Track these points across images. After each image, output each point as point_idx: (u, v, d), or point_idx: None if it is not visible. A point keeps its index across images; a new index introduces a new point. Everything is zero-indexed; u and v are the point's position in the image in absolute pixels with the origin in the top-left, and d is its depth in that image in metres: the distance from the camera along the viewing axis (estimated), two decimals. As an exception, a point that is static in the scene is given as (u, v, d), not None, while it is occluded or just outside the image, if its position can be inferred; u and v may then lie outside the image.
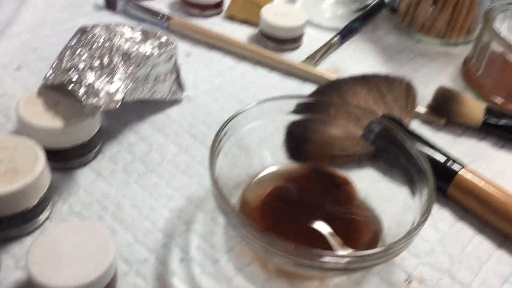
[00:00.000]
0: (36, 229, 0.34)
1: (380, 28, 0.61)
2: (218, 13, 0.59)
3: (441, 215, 0.39)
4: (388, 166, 0.38)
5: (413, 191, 0.35)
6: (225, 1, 0.59)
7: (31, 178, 0.31)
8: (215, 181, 0.31)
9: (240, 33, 0.56)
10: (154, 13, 0.55)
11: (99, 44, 0.38)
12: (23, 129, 0.36)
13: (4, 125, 0.41)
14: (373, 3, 0.61)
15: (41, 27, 0.52)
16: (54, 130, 0.35)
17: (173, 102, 0.46)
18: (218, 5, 0.58)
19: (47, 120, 0.35)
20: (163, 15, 0.55)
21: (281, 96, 0.39)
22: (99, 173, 0.38)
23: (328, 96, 0.46)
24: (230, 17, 0.58)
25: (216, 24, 0.57)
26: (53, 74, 0.37)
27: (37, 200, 0.33)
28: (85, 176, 0.38)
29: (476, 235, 0.38)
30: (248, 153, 0.39)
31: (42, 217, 0.34)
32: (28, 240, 0.33)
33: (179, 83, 0.45)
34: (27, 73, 0.46)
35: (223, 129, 0.34)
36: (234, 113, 0.36)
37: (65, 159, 0.38)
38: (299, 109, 0.39)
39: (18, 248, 0.33)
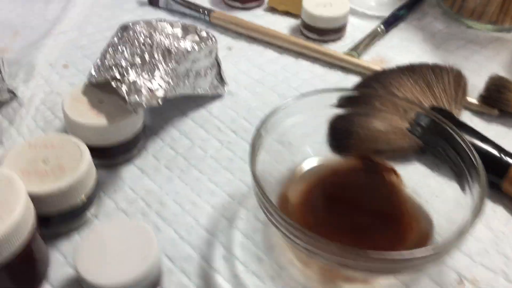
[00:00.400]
0: (83, 225, 0.35)
1: (427, 15, 0.58)
2: (259, 5, 0.58)
3: (494, 212, 0.37)
4: (436, 160, 0.37)
5: (463, 187, 0.33)
6: (266, -7, 0.58)
7: (77, 175, 0.32)
8: (255, 178, 0.31)
9: (282, 25, 0.56)
10: (195, 7, 0.55)
11: (140, 41, 0.38)
12: (69, 127, 0.37)
13: (52, 122, 0.42)
14: (420, -11, 0.59)
15: (86, 25, 0.53)
16: (99, 128, 0.36)
17: (215, 97, 0.45)
18: (259, -3, 0.58)
19: (92, 118, 0.36)
20: (205, 9, 0.55)
21: (323, 90, 0.38)
22: (143, 170, 0.39)
23: (372, 88, 0.44)
24: (271, 9, 0.58)
25: (257, 16, 0.57)
26: (96, 72, 0.38)
27: (84, 197, 0.33)
28: (129, 172, 0.38)
29: (532, 233, 0.36)
30: (290, 148, 0.38)
31: (89, 213, 0.35)
32: (76, 236, 0.34)
33: (220, 78, 0.45)
34: (73, 70, 0.47)
35: (263, 125, 0.34)
36: (275, 108, 0.35)
37: (110, 156, 0.38)
38: (342, 102, 0.38)
39: (66, 245, 0.33)
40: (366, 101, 0.39)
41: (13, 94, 0.43)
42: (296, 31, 0.55)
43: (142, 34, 0.39)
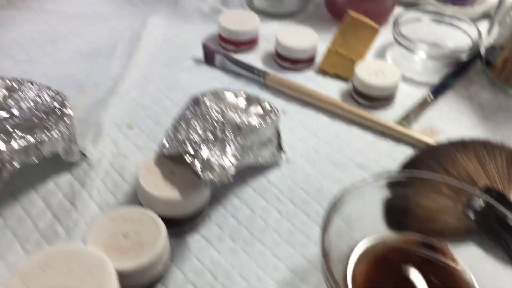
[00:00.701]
0: (156, 296, 0.36)
1: (474, 82, 0.60)
2: (309, 67, 0.60)
3: (550, 300, 0.38)
4: (492, 243, 0.38)
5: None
6: (318, 55, 0.60)
7: (156, 252, 0.34)
8: (327, 265, 0.32)
9: (333, 88, 0.57)
10: (250, 68, 0.58)
11: (213, 117, 0.40)
12: (144, 198, 0.39)
13: (121, 186, 0.44)
14: (468, 58, 0.61)
15: (147, 83, 0.56)
16: (172, 201, 0.38)
17: (273, 165, 0.47)
18: (310, 60, 0.60)
19: (165, 190, 0.38)
20: (259, 71, 0.57)
21: (380, 174, 0.39)
22: (208, 239, 0.40)
23: (427, 165, 0.46)
24: (322, 71, 0.60)
25: (309, 78, 0.59)
26: (169, 144, 0.40)
27: (161, 270, 0.35)
28: (195, 242, 0.40)
29: None
30: (350, 224, 0.39)
31: (162, 286, 0.36)
32: (148, 307, 0.36)
33: (279, 147, 0.47)
34: (137, 131, 0.50)
35: (332, 211, 0.35)
36: (339, 193, 0.37)
37: (177, 225, 0.40)
38: (399, 181, 0.40)
39: (139, 315, 0.35)
40: (423, 181, 0.40)
41: (83, 155, 0.45)
42: (347, 95, 0.57)
43: (214, 110, 0.41)
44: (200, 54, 0.60)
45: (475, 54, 0.61)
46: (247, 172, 0.46)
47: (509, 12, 0.57)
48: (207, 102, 0.42)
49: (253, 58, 0.61)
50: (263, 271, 0.39)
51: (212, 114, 0.41)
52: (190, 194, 0.38)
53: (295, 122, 0.53)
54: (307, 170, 0.47)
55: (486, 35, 0.60)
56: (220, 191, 0.44)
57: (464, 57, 0.59)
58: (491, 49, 0.60)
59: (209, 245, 0.40)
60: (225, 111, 0.41)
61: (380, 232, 0.40)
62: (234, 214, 0.43)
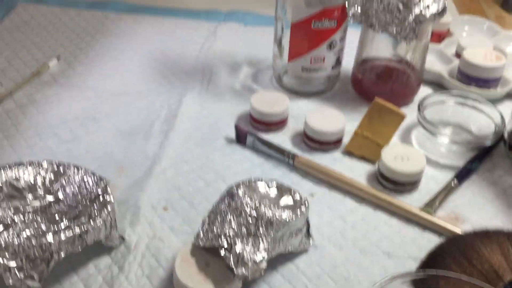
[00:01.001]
0: None
1: (497, 166, 0.61)
2: (337, 148, 0.63)
3: None
4: None
5: None
6: (345, 135, 0.63)
7: None
8: None
9: (359, 170, 0.60)
10: (279, 150, 0.60)
11: (247, 212, 0.43)
12: (179, 288, 0.41)
13: (156, 270, 0.46)
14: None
15: (181, 163, 0.59)
16: (207, 294, 0.40)
17: (301, 250, 0.49)
18: (338, 141, 0.62)
19: (201, 283, 0.40)
20: (288, 153, 0.60)
21: (408, 273, 0.41)
22: (239, 329, 0.42)
23: (452, 257, 0.47)
24: (349, 153, 0.62)
25: (336, 160, 0.61)
26: (205, 236, 0.42)
27: None
28: (226, 331, 0.42)
29: None
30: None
31: None
32: None
33: (308, 235, 0.49)
34: (172, 213, 0.52)
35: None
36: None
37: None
38: (422, 280, 0.41)
39: None
40: (446, 278, 0.42)
41: (122, 239, 0.48)
42: (373, 177, 0.59)
43: (248, 205, 0.43)
44: (232, 133, 0.63)
45: (499, 138, 0.63)
46: (275, 259, 0.48)
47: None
48: (241, 195, 0.44)
49: (282, 138, 0.64)
50: None
51: (246, 209, 0.43)
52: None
53: (322, 205, 0.55)
54: (334, 256, 0.49)
55: (510, 118, 0.62)
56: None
57: (487, 143, 0.61)
58: (514, 134, 0.61)
59: (240, 335, 0.42)
60: (258, 206, 0.43)
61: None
62: (264, 302, 0.44)
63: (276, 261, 0.48)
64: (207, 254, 0.42)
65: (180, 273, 0.41)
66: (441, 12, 0.64)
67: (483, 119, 0.65)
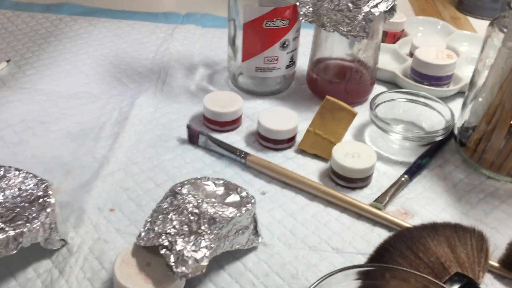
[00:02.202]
0: None
1: (448, 162, 0.62)
2: (290, 147, 0.63)
3: None
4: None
5: None
6: (298, 135, 0.63)
7: None
8: None
9: (312, 167, 0.59)
10: (231, 149, 0.60)
11: (189, 210, 0.42)
12: (119, 290, 0.40)
13: (99, 273, 0.45)
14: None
15: (131, 165, 0.58)
16: (146, 294, 0.39)
17: (250, 248, 0.48)
18: (291, 140, 0.62)
19: (140, 283, 0.39)
20: (241, 152, 0.59)
21: (352, 266, 0.41)
22: (183, 330, 0.41)
23: (399, 251, 0.47)
24: (302, 151, 0.62)
25: (289, 158, 0.61)
26: (146, 236, 0.42)
27: None
28: (169, 332, 0.41)
29: None
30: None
31: None
32: None
33: (256, 232, 0.48)
34: (119, 214, 0.51)
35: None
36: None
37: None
38: (368, 273, 0.41)
39: None
40: (392, 271, 0.42)
41: (64, 242, 0.46)
42: (325, 175, 0.59)
43: (190, 203, 0.42)
44: (185, 134, 0.62)
45: (449, 134, 0.64)
46: (223, 257, 0.47)
47: (481, 93, 0.60)
48: (184, 193, 0.44)
49: (236, 138, 0.63)
50: None
51: (188, 207, 0.42)
52: (164, 287, 0.39)
53: (274, 203, 0.54)
54: (283, 254, 0.48)
55: (460, 115, 0.63)
56: (197, 277, 0.45)
57: (438, 138, 0.62)
58: (464, 129, 0.62)
59: (183, 336, 0.41)
60: (201, 203, 0.43)
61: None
62: (209, 302, 0.44)
63: (223, 260, 0.47)
64: (149, 254, 0.41)
65: (119, 274, 0.40)
66: (390, 10, 0.65)
67: (434, 116, 0.66)
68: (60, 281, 0.44)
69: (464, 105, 0.63)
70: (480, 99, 0.60)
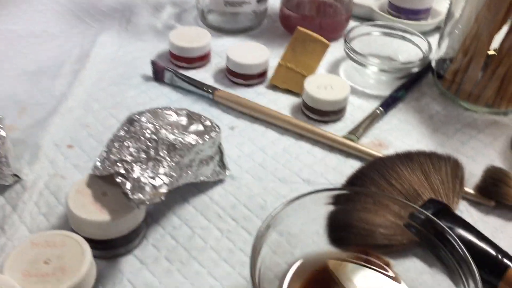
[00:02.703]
0: (81, 322, 0.35)
1: (425, 95, 0.60)
2: (261, 82, 0.60)
3: (491, 314, 0.37)
4: (432, 257, 0.37)
5: (456, 285, 0.34)
6: (269, 71, 0.60)
7: (78, 278, 0.32)
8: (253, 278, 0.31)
9: (284, 103, 0.57)
10: (199, 85, 0.57)
11: (146, 136, 0.39)
12: (72, 220, 0.38)
13: (55, 208, 0.42)
14: (419, 70, 0.61)
15: (92, 101, 0.54)
16: (101, 224, 0.36)
17: (217, 182, 0.46)
18: (262, 75, 0.59)
19: (95, 213, 0.37)
20: (208, 87, 0.56)
21: (322, 189, 0.38)
22: (143, 261, 0.39)
23: (371, 178, 0.45)
24: (273, 87, 0.59)
25: (260, 94, 0.58)
26: (101, 165, 0.39)
27: (84, 296, 0.34)
28: (129, 264, 0.39)
29: (530, 338, 0.36)
30: (290, 241, 0.38)
31: (88, 310, 0.35)
32: (73, 335, 0.34)
33: (222, 164, 0.46)
34: (78, 151, 0.48)
35: (264, 229, 0.34)
36: (277, 208, 0.36)
37: (111, 248, 0.39)
38: (340, 199, 0.39)
39: None
40: (365, 197, 0.40)
41: (17, 178, 0.44)
42: (297, 110, 0.56)
43: (148, 129, 0.40)
44: (150, 71, 0.59)
45: (426, 67, 0.61)
46: (188, 190, 0.45)
47: (458, 25, 0.57)
48: (143, 121, 0.41)
49: (204, 75, 0.60)
50: (198, 292, 0.37)
51: (146, 133, 0.39)
52: (121, 216, 0.37)
53: (243, 138, 0.52)
54: (252, 187, 0.46)
55: (437, 47, 0.60)
56: (160, 211, 0.43)
57: (415, 70, 0.59)
58: (441, 61, 0.60)
59: (144, 266, 0.39)
60: (159, 129, 0.40)
61: (322, 249, 0.39)
62: (172, 234, 0.41)
63: (187, 193, 0.45)
64: (105, 184, 0.39)
65: (73, 204, 0.37)
66: None
67: (411, 49, 0.63)
68: (12, 216, 0.41)
69: (441, 37, 0.60)
70: (456, 31, 0.57)
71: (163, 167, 0.38)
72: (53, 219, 0.41)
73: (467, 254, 0.34)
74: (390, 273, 0.38)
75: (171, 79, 0.58)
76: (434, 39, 0.68)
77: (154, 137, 0.39)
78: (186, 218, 0.43)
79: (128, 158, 0.38)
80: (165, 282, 0.38)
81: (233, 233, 0.42)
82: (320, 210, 0.39)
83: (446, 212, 0.42)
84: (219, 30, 0.68)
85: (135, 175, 0.37)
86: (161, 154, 0.39)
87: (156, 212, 0.43)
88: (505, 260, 0.38)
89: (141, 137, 0.39)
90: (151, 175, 0.37)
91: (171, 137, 0.40)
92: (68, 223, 0.39)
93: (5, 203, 0.42)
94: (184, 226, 0.42)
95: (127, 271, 0.38)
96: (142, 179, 0.37)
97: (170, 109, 0.44)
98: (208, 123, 0.44)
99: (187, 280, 0.38)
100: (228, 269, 0.39)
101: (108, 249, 0.38)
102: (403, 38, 0.64)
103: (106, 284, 0.37)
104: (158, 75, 0.58)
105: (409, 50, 0.63)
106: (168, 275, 0.38)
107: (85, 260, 0.33)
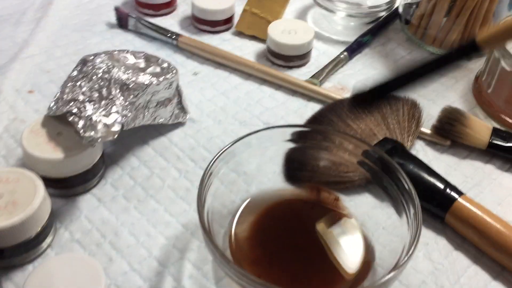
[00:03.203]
0: (38, 256, 0.36)
1: (391, 40, 0.60)
2: (228, 29, 0.59)
3: (437, 245, 0.39)
4: (382, 192, 0.38)
5: (402, 218, 0.35)
6: (235, 17, 0.59)
7: (29, 211, 0.33)
8: (202, 220, 0.32)
9: (249, 49, 0.57)
10: (163, 31, 0.56)
11: (98, 76, 0.39)
12: (26, 159, 0.38)
13: (14, 150, 0.43)
14: (386, 15, 0.60)
15: (54, 48, 0.54)
16: (55, 161, 0.37)
17: (177, 125, 0.47)
18: (228, 21, 0.59)
19: (49, 151, 0.37)
20: (173, 33, 0.56)
21: (278, 126, 0.39)
22: (100, 200, 0.40)
23: (329, 120, 0.46)
24: (239, 33, 0.59)
25: (225, 40, 0.58)
26: (55, 105, 0.39)
27: (38, 230, 0.34)
28: (87, 202, 0.40)
29: (471, 265, 0.38)
30: (245, 178, 0.39)
31: (44, 245, 0.36)
32: (30, 268, 0.35)
33: (181, 107, 0.46)
34: (38, 96, 0.48)
35: (215, 160, 0.35)
36: (230, 143, 0.36)
37: (68, 187, 0.39)
38: (296, 136, 0.40)
39: (20, 276, 0.35)
40: (320, 136, 0.40)
41: (-25, 121, 0.44)
42: (262, 56, 0.56)
43: (100, 69, 0.40)
44: (114, 19, 0.58)
45: (393, 13, 0.61)
46: (148, 132, 0.45)
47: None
48: (97, 62, 0.41)
49: (170, 22, 0.60)
50: (154, 227, 0.38)
51: (98, 72, 0.39)
52: (75, 154, 0.37)
53: (206, 83, 0.52)
54: (212, 130, 0.47)
55: (404, -7, 0.60)
56: (119, 152, 0.44)
57: (381, 14, 0.59)
58: (408, 6, 0.60)
59: (101, 204, 0.40)
60: (112, 70, 0.40)
61: (277, 186, 0.40)
62: (131, 174, 0.42)
63: (146, 135, 0.45)
64: (61, 124, 0.39)
65: (27, 143, 0.37)
66: None
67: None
68: (-30, 158, 0.42)
69: (409, -18, 0.60)
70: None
71: (116, 106, 0.38)
72: (12, 160, 0.42)
73: (409, 184, 0.35)
74: (341, 209, 0.39)
75: (135, 26, 0.57)
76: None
77: (107, 76, 0.39)
78: (145, 159, 0.43)
79: (81, 97, 0.38)
80: (122, 218, 0.39)
81: (191, 173, 0.43)
82: (274, 148, 0.39)
83: (398, 150, 0.43)
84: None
85: (87, 114, 0.37)
86: (114, 93, 0.39)
87: (115, 154, 0.43)
88: (453, 193, 0.40)
89: (93, 77, 0.39)
90: (103, 113, 0.38)
91: (124, 76, 0.40)
92: (25, 164, 0.39)
93: (-36, 146, 0.43)
94: (143, 167, 0.43)
95: (85, 209, 0.39)
96: (94, 118, 0.37)
97: (127, 51, 0.44)
98: (165, 65, 0.44)
99: (143, 217, 0.39)
100: (185, 206, 0.40)
101: (66, 188, 0.39)
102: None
103: (64, 221, 0.38)
104: (122, 21, 0.58)
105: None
106: (125, 212, 0.39)
107: (37, 195, 0.34)
